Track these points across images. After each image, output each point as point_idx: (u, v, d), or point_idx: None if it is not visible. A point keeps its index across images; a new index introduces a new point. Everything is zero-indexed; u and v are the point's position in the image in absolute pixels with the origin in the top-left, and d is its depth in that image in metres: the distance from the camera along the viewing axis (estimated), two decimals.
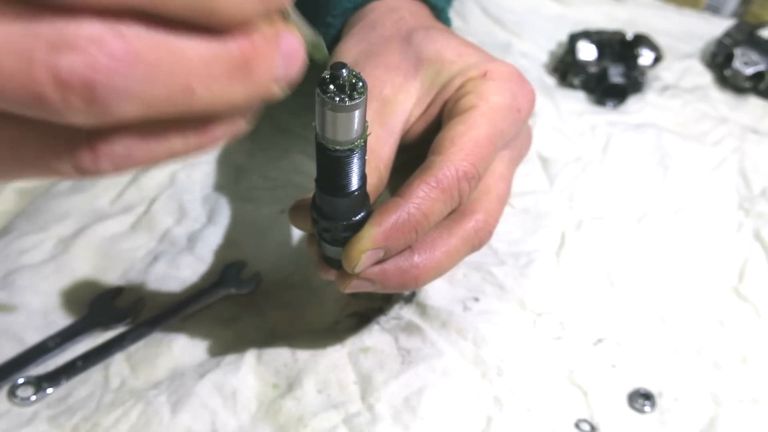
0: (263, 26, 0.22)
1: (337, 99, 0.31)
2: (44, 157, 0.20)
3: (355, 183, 0.37)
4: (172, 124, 0.22)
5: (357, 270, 0.40)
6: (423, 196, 0.40)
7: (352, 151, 0.34)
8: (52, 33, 0.17)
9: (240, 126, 0.25)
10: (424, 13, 0.54)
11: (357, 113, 0.32)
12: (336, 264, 0.42)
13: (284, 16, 0.25)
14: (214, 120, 0.23)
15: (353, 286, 0.41)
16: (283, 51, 0.23)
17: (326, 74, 0.32)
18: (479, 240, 0.45)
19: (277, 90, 0.24)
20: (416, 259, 0.42)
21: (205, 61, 0.20)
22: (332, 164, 0.35)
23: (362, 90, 0.32)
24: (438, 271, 0.43)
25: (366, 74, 0.46)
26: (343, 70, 0.31)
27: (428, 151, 0.43)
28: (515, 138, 0.47)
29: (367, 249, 0.39)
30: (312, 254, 0.44)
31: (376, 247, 0.39)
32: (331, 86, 0.32)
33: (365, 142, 0.35)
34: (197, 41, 0.20)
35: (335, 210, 0.38)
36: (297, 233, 0.58)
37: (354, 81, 0.32)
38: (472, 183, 0.42)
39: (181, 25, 0.20)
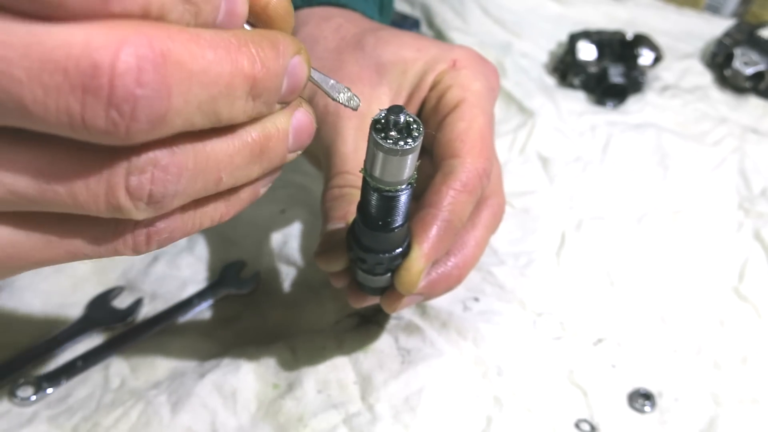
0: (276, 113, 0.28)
1: (393, 143, 0.31)
2: (114, 244, 0.27)
3: (405, 216, 0.36)
4: (203, 203, 0.28)
5: (415, 290, 0.40)
6: (452, 201, 0.41)
7: (406, 189, 0.34)
8: (125, 163, 0.23)
9: (259, 193, 0.30)
10: (357, 17, 0.53)
11: (412, 156, 0.32)
12: (378, 291, 0.42)
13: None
14: (235, 193, 0.29)
15: (404, 304, 0.42)
16: (294, 128, 0.28)
17: (382, 117, 0.31)
18: (497, 222, 0.47)
19: (291, 157, 0.29)
20: (453, 260, 0.43)
21: (230, 156, 0.26)
22: (384, 203, 0.35)
23: (418, 133, 0.31)
24: (474, 263, 0.45)
25: None
26: (401, 115, 0.31)
27: (440, 154, 0.43)
28: None
29: (424, 268, 0.40)
30: (341, 287, 0.43)
31: (429, 262, 0.40)
32: (390, 131, 0.31)
33: (415, 179, 0.34)
34: (222, 142, 0.26)
35: (387, 244, 0.38)
36: (296, 233, 0.58)
37: (410, 123, 0.31)
38: (489, 176, 0.43)
39: (209, 131, 0.25)
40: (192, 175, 0.25)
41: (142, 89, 0.21)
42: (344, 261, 0.41)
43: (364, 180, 0.34)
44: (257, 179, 0.29)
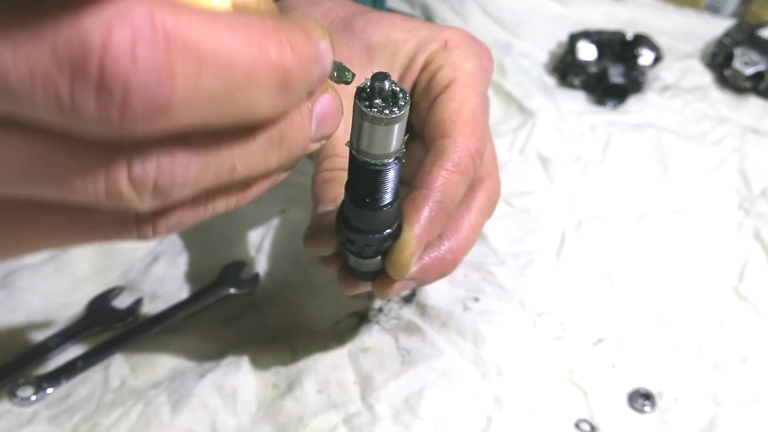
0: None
1: (378, 112, 0.29)
2: (121, 231, 0.25)
3: (394, 193, 0.35)
4: (216, 193, 0.26)
5: (407, 274, 0.39)
6: (444, 182, 0.40)
7: (393, 163, 0.32)
8: (127, 148, 0.21)
9: (278, 179, 0.28)
10: (346, 1, 0.52)
11: (399, 125, 0.30)
12: (369, 276, 0.41)
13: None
14: (253, 182, 0.27)
15: (396, 290, 0.41)
16: (318, 114, 0.26)
17: (366, 85, 0.29)
18: (494, 205, 0.46)
19: (315, 147, 0.27)
20: (447, 244, 0.42)
21: (245, 143, 0.24)
22: (372, 178, 0.33)
23: (404, 101, 0.30)
24: (469, 247, 0.44)
25: None
26: (386, 82, 0.29)
27: (430, 135, 0.42)
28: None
29: (415, 250, 0.38)
30: (332, 273, 0.43)
31: (421, 245, 0.39)
32: (375, 99, 0.29)
33: (403, 154, 0.33)
34: (238, 134, 0.24)
35: (376, 223, 0.37)
36: (296, 233, 0.58)
37: (396, 92, 0.30)
38: (482, 157, 0.42)
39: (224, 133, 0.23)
40: (203, 163, 0.23)
41: (137, 71, 0.19)
42: (334, 244, 0.40)
43: (351, 155, 0.33)
44: (273, 171, 0.27)
